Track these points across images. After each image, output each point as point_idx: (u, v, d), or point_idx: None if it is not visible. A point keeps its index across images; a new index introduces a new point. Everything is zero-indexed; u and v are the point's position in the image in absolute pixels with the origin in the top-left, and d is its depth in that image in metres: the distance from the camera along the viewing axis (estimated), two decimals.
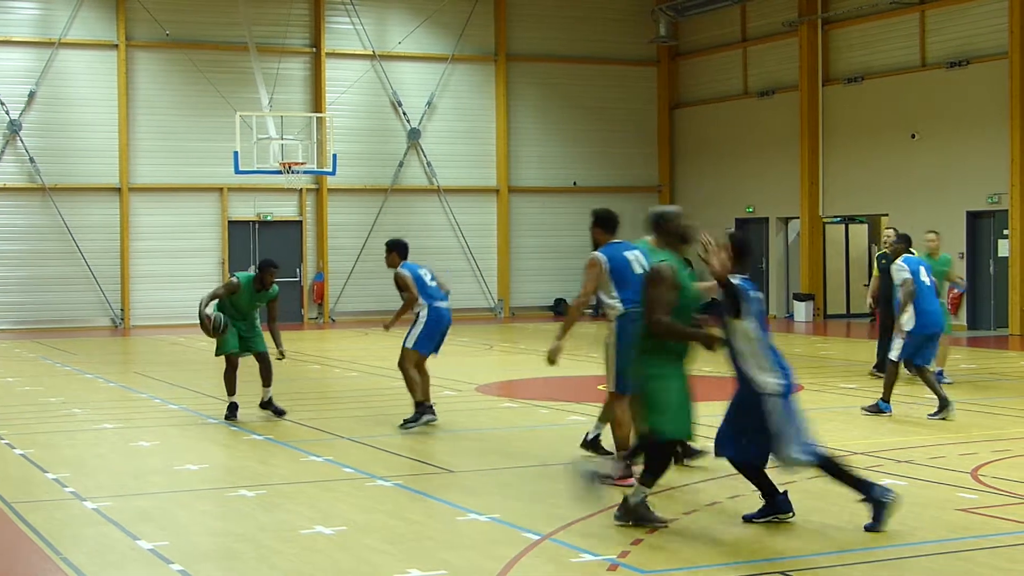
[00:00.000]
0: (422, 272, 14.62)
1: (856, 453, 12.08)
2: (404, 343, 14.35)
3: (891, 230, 19.40)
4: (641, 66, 37.79)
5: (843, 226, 34.26)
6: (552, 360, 11.72)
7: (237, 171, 30.72)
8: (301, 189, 33.90)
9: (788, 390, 9.15)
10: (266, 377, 15.16)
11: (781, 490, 9.28)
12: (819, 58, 32.89)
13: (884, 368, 16.33)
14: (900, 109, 30.65)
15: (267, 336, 15.20)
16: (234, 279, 14.99)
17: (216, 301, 14.84)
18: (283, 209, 34.10)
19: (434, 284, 14.62)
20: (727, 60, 36.26)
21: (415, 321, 14.36)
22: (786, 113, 33.72)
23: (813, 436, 9.15)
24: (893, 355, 14.46)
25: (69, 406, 16.68)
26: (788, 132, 33.54)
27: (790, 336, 28.31)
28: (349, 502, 10.24)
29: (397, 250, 15.00)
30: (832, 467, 9.13)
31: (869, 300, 20.27)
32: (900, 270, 14.32)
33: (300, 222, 34.32)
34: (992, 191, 28.30)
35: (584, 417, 15.17)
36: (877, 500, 8.80)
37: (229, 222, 33.48)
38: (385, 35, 34.94)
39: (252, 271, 15.65)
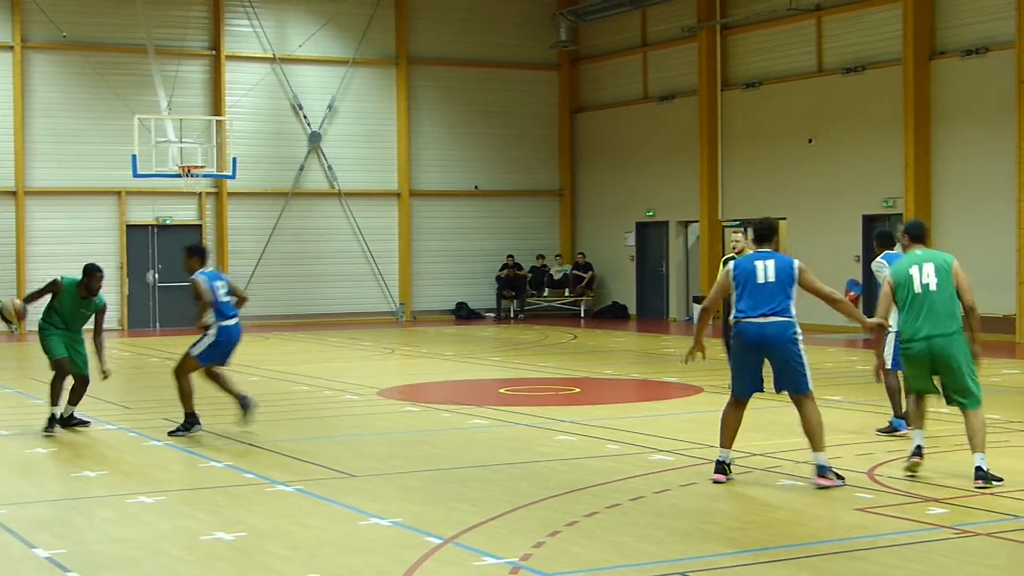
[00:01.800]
0: (218, 284, 14.48)
1: (755, 455, 12.27)
2: (188, 350, 14.42)
3: (741, 235, 19.46)
4: (542, 70, 37.99)
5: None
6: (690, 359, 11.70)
7: (135, 175, 30.64)
8: (200, 193, 33.79)
9: None
10: (76, 397, 14.63)
11: None
12: (718, 63, 33.21)
13: None
14: (798, 114, 31.05)
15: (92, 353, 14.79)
16: (57, 279, 14.42)
17: (35, 302, 14.72)
18: (182, 213, 33.95)
19: (227, 299, 14.57)
20: (628, 65, 36.52)
21: (204, 335, 14.38)
22: (686, 118, 34.03)
23: None
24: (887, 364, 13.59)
25: None
26: (688, 137, 33.85)
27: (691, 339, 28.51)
28: (250, 508, 10.25)
29: (197, 255, 14.84)
30: None
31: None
32: (880, 269, 13.82)
33: (200, 226, 34.16)
34: (887, 195, 28.75)
35: (485, 420, 15.27)
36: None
37: (128, 226, 33.27)
38: (285, 38, 34.88)
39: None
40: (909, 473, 10.91)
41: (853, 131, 29.54)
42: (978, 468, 10.45)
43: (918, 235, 11.48)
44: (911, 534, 9.16)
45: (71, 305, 14.01)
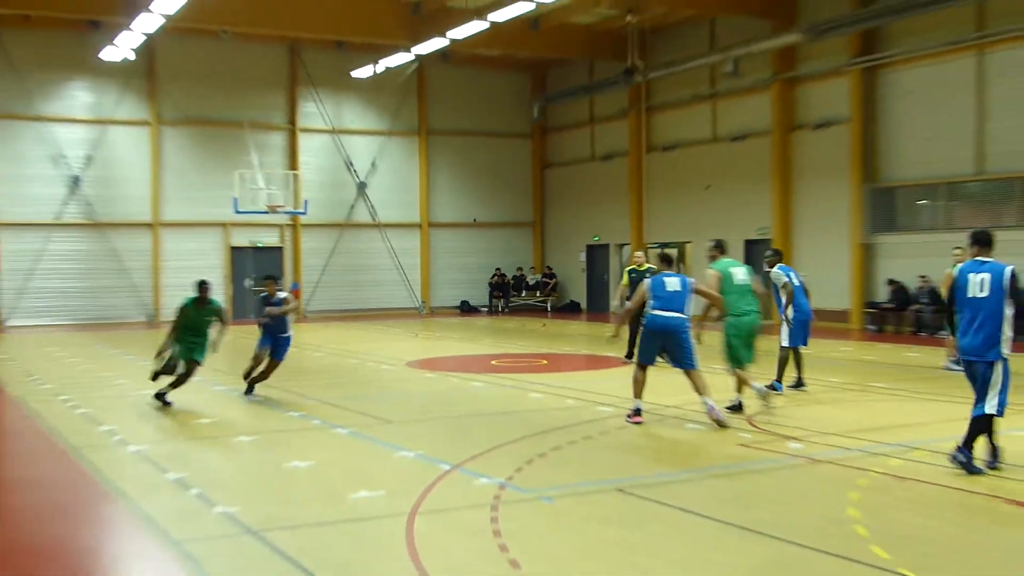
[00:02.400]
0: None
1: (668, 406, 12.31)
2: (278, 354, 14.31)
3: (641, 252, 19.44)
4: (521, 138, 37.95)
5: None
6: None
7: (236, 211, 30.58)
8: (281, 224, 33.76)
9: None
10: (180, 382, 13.11)
11: None
12: (643, 133, 33.22)
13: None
14: (699, 169, 31.07)
15: None
16: (180, 305, 13.60)
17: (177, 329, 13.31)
18: (269, 238, 33.88)
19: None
20: (581, 135, 36.50)
21: (287, 337, 14.41)
22: (621, 171, 34.02)
23: None
24: (784, 343, 13.74)
25: (116, 378, 16.56)
26: (623, 184, 33.85)
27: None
28: (317, 445, 10.34)
29: (271, 280, 15.28)
30: None
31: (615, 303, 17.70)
32: (779, 276, 13.85)
33: (281, 248, 34.11)
34: (760, 225, 28.81)
35: (481, 383, 15.33)
36: None
37: (231, 248, 33.21)
38: (341, 116, 34.83)
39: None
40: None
41: (737, 180, 29.62)
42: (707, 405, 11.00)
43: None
44: (775, 461, 9.27)
45: (195, 316, 13.37)
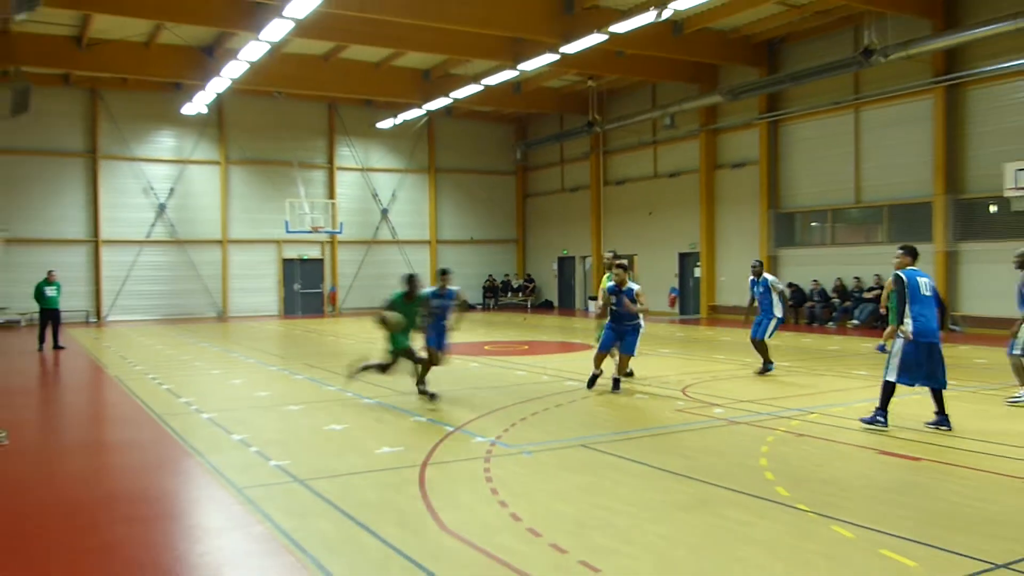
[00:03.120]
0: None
1: (623, 380, 12.29)
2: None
3: (610, 253, 19.37)
4: (508, 175, 37.95)
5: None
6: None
7: (287, 231, 30.62)
8: (323, 242, 33.65)
9: None
10: (423, 372, 11.89)
11: None
12: (601, 171, 33.30)
13: None
14: (644, 199, 31.15)
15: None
16: (387, 297, 11.92)
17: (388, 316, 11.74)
18: (312, 252, 33.76)
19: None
20: (553, 172, 36.54)
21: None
22: (584, 200, 34.08)
23: None
24: (766, 336, 13.11)
25: (193, 361, 16.48)
26: (585, 210, 33.91)
27: (594, 320, 28.59)
28: (350, 412, 10.29)
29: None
30: None
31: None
32: (776, 283, 13.28)
33: (322, 260, 33.99)
34: (692, 241, 28.89)
35: (477, 364, 15.31)
36: None
37: (283, 259, 33.09)
38: (369, 158, 34.75)
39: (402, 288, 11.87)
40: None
41: (673, 207, 29.68)
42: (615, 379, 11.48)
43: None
44: (704, 423, 9.26)
45: (403, 309, 11.66)
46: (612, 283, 11.62)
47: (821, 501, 6.11)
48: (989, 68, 20.18)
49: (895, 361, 8.60)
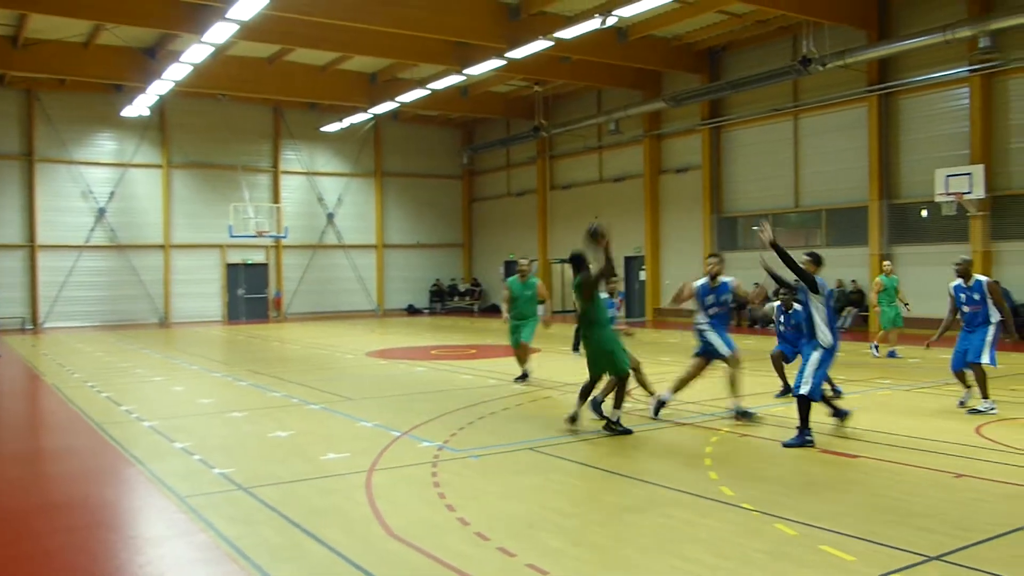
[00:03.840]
0: None
1: (569, 383, 12.34)
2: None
3: (525, 259, 19.26)
4: (454, 179, 37.92)
5: (560, 265, 34.90)
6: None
7: (231, 236, 30.25)
8: (267, 246, 33.23)
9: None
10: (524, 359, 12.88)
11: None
12: (547, 175, 33.45)
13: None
14: (590, 203, 31.33)
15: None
16: (505, 282, 12.83)
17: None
18: (257, 257, 33.33)
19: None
20: (500, 177, 36.60)
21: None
22: (531, 204, 34.21)
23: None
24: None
25: (134, 368, 16.13)
26: (532, 214, 34.04)
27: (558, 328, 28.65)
28: (295, 418, 10.16)
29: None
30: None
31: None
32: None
33: (267, 264, 33.55)
34: (637, 245, 29.15)
35: (424, 368, 15.23)
36: None
37: (227, 264, 32.59)
38: (314, 161, 34.44)
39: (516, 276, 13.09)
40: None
41: (618, 211, 29.92)
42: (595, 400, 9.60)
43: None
44: (649, 425, 9.32)
45: (518, 289, 12.80)
46: (704, 280, 9.87)
47: (764, 500, 6.20)
48: (920, 78, 20.74)
49: (819, 375, 8.15)
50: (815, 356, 8.17)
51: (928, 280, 19.88)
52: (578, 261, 9.05)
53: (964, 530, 5.41)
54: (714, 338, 9.47)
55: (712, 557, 5.04)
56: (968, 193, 19.18)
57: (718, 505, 6.10)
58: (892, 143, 21.70)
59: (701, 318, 9.62)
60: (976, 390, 9.73)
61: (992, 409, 9.41)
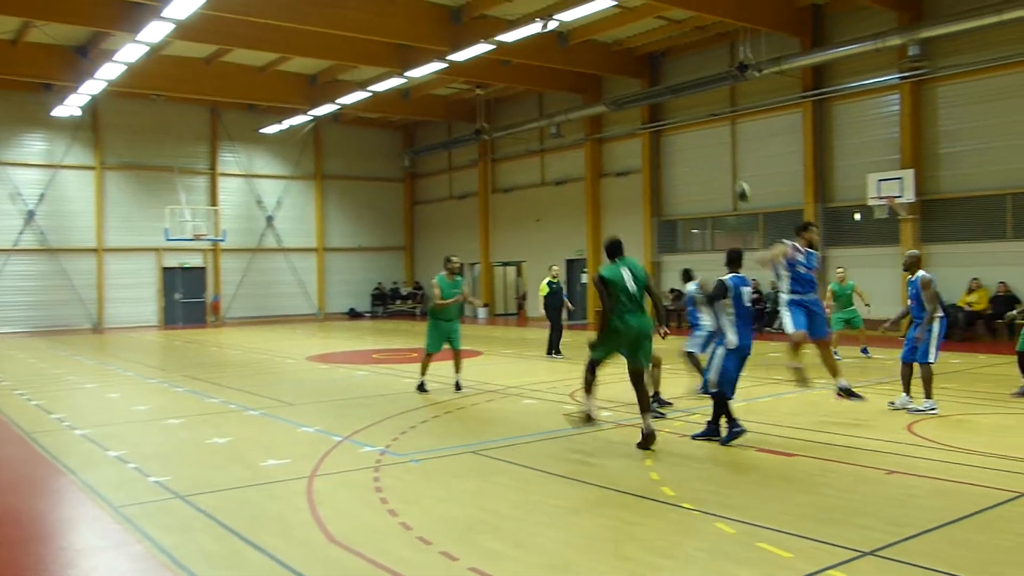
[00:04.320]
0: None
1: (512, 386, 12.36)
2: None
3: (557, 267, 18.87)
4: (396, 182, 37.73)
5: (503, 268, 34.95)
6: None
7: (167, 239, 29.68)
8: (204, 249, 32.63)
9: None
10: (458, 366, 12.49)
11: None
12: (489, 178, 33.47)
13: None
14: (532, 206, 31.45)
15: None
16: (434, 281, 12.38)
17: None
18: (194, 260, 32.71)
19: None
20: (441, 179, 36.51)
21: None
22: (472, 207, 34.20)
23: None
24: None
25: (66, 375, 15.70)
26: (473, 217, 34.02)
27: (482, 327, 28.66)
28: (234, 424, 10.00)
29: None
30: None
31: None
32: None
33: (204, 268, 32.95)
34: (578, 248, 29.32)
35: (365, 372, 15.12)
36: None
37: (163, 268, 31.93)
38: (253, 163, 33.96)
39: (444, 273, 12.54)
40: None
41: (560, 214, 30.09)
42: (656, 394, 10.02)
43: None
44: (591, 427, 9.38)
45: (448, 288, 12.28)
46: (792, 248, 9.64)
47: (704, 499, 6.28)
48: (853, 84, 21.27)
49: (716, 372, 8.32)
50: (719, 353, 8.37)
51: (861, 281, 20.31)
52: (616, 248, 8.54)
53: (897, 525, 5.55)
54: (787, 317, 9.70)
55: (654, 557, 5.09)
56: (899, 197, 19.71)
57: (659, 505, 6.16)
58: (826, 148, 22.20)
59: (792, 291, 9.68)
60: (904, 397, 9.87)
61: (932, 409, 9.60)
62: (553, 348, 17.04)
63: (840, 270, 16.26)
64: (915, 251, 10.31)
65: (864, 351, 15.97)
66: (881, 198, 19.98)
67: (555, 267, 18.55)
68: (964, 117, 19.62)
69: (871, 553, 5.05)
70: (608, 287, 8.16)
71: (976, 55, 19.03)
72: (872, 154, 21.14)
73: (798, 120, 22.54)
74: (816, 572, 4.76)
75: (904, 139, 20.31)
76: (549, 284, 17.47)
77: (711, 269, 26.05)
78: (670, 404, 10.22)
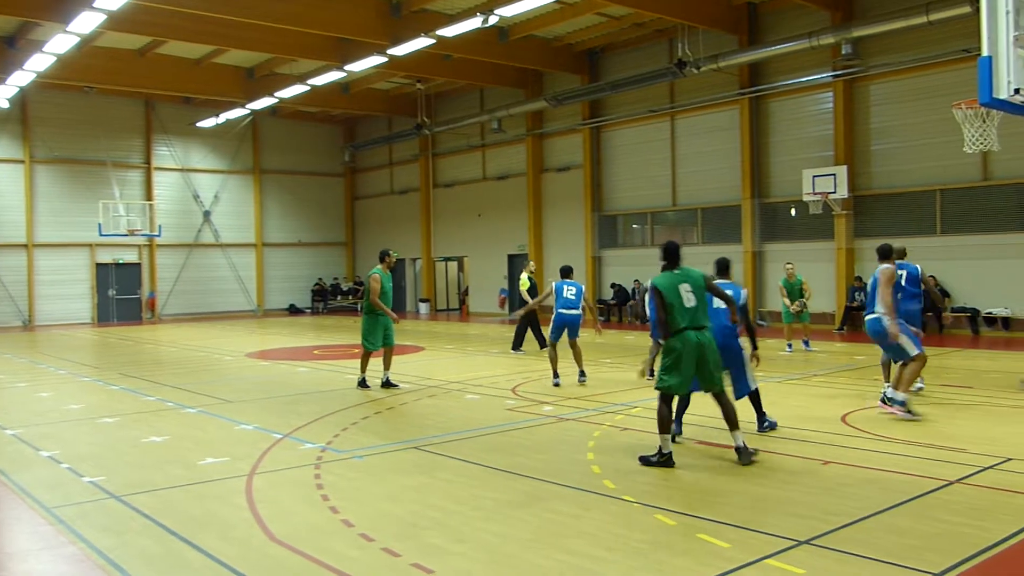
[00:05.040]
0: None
1: (454, 381, 12.34)
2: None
3: (532, 263, 19.11)
4: (336, 177, 37.36)
5: (444, 263, 34.85)
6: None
7: (101, 235, 28.93)
8: (140, 245, 31.92)
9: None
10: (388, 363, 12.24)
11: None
12: (430, 173, 33.34)
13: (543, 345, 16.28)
14: (473, 201, 31.44)
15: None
16: (374, 274, 12.01)
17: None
18: (129, 256, 31.97)
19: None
20: (382, 174, 36.28)
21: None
22: (414, 202, 34.05)
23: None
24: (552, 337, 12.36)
25: None
26: (415, 212, 33.88)
27: (424, 322, 28.55)
28: (170, 422, 9.80)
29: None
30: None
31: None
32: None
33: (140, 264, 32.24)
34: (520, 243, 29.39)
35: (306, 368, 14.96)
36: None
37: (96, 264, 31.15)
38: (189, 157, 33.31)
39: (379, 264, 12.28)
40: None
41: (502, 209, 30.13)
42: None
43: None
44: (533, 421, 9.42)
45: (388, 281, 12.00)
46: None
47: (645, 492, 6.35)
48: (788, 82, 21.68)
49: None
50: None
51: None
52: (672, 255, 7.35)
53: (831, 514, 5.69)
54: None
55: (596, 549, 5.13)
56: (833, 193, 20.16)
57: (601, 498, 6.21)
58: (763, 144, 22.60)
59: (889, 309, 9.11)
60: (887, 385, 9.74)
61: (907, 398, 9.22)
62: (542, 342, 17.17)
63: (789, 265, 16.51)
64: (888, 243, 9.70)
65: (806, 344, 16.38)
66: (816, 194, 20.41)
67: (532, 264, 18.78)
68: (894, 115, 20.16)
69: (807, 542, 5.16)
70: (663, 299, 7.14)
71: (905, 54, 19.55)
72: (807, 150, 21.57)
73: (735, 116, 22.90)
74: (753, 561, 4.85)
75: (837, 136, 20.78)
76: (529, 279, 17.50)
77: (651, 265, 26.46)
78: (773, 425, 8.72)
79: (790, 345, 16.22)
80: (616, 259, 26.56)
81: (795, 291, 15.85)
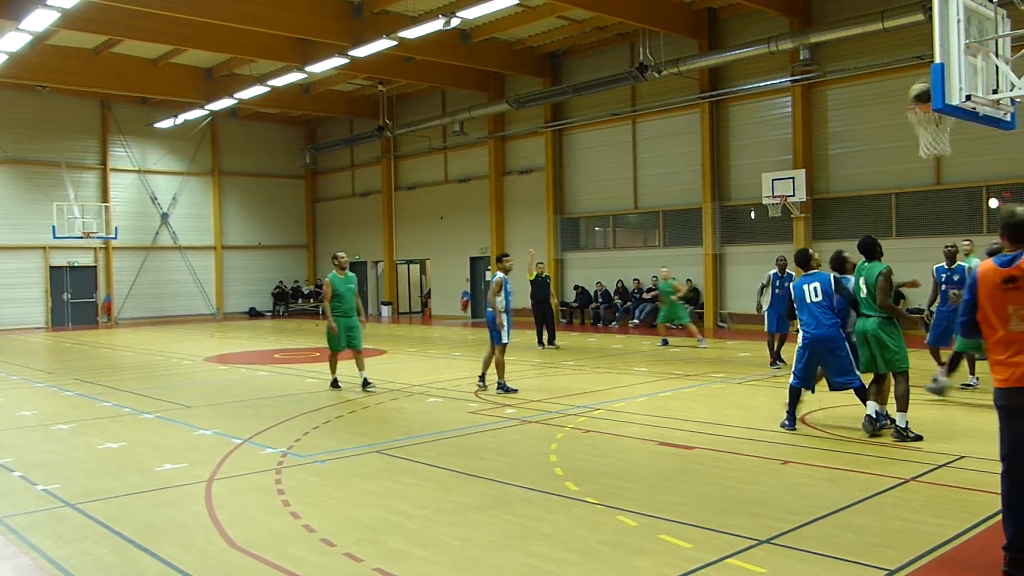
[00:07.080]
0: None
1: (416, 385, 12.28)
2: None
3: (542, 262, 19.36)
4: (296, 179, 37.03)
5: (407, 265, 34.69)
6: None
7: (55, 237, 28.39)
8: (95, 247, 31.36)
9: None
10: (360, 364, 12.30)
11: None
12: (392, 175, 33.19)
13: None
14: (436, 204, 31.32)
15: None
16: (327, 279, 12.09)
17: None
18: (85, 259, 31.40)
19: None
20: (344, 176, 36.04)
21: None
22: (376, 205, 33.84)
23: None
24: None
25: None
26: (377, 215, 33.68)
27: (386, 326, 28.40)
28: (127, 428, 9.66)
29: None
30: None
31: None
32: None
33: (95, 267, 31.67)
34: (483, 246, 29.35)
35: (266, 372, 14.80)
36: None
37: (51, 267, 30.55)
38: (146, 159, 32.79)
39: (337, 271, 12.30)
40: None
41: (464, 212, 30.03)
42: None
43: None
44: (496, 423, 9.42)
45: (341, 284, 11.98)
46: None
47: (606, 493, 6.38)
48: (748, 86, 21.93)
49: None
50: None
51: (756, 278, 20.99)
52: (869, 249, 8.22)
53: (791, 513, 5.76)
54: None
55: (558, 551, 5.14)
56: (792, 196, 20.43)
57: (563, 500, 6.23)
58: (723, 148, 22.83)
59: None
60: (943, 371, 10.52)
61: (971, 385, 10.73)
62: (540, 339, 18.16)
63: (664, 269, 18.28)
64: (952, 244, 11.65)
65: (664, 343, 17.84)
66: (775, 197, 20.66)
67: (539, 262, 19.19)
68: (851, 119, 20.47)
69: (767, 541, 5.22)
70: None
71: (862, 60, 19.87)
72: (766, 154, 21.83)
73: (696, 120, 23.10)
74: (715, 561, 4.89)
75: (796, 140, 21.05)
76: (537, 276, 18.39)
77: (613, 267, 26.50)
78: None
79: (665, 341, 17.89)
80: (579, 261, 26.65)
81: (666, 293, 17.46)
